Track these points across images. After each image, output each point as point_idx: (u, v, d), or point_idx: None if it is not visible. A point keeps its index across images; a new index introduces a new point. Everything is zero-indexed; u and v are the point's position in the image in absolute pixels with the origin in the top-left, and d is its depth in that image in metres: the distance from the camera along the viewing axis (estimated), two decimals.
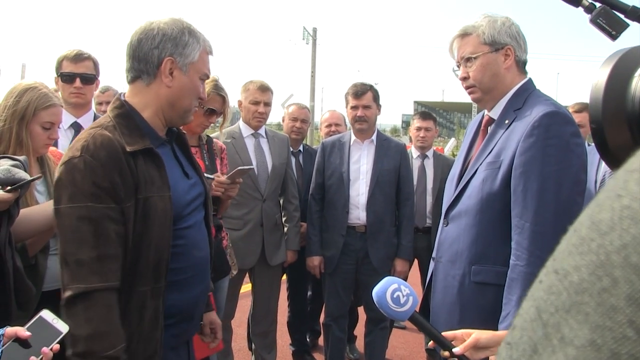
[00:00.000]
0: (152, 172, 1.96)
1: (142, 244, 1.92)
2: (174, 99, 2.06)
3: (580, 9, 1.30)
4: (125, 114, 2.02)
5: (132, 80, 2.07)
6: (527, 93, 2.45)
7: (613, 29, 1.25)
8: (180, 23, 2.06)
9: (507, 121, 2.41)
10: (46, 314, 1.63)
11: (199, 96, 2.15)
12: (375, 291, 1.73)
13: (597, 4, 1.26)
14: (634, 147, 0.85)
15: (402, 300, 1.71)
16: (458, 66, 2.58)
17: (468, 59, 2.50)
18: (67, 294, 1.81)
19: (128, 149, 1.91)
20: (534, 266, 2.18)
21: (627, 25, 1.23)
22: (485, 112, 2.61)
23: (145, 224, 1.92)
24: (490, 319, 2.27)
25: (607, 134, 0.86)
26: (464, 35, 2.52)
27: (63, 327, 1.63)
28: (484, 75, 2.47)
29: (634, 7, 1.20)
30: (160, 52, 2.01)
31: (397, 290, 1.72)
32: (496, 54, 2.45)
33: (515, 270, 2.23)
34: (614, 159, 0.88)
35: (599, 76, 0.88)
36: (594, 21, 1.26)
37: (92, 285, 1.79)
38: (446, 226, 2.56)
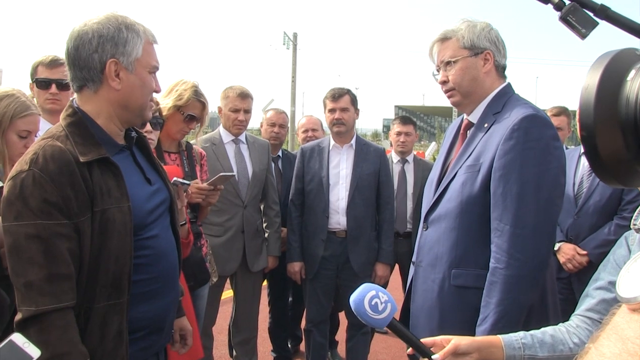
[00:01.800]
0: (109, 183, 1.86)
1: (101, 258, 1.83)
2: (126, 100, 1.96)
3: (550, 6, 1.29)
4: (78, 122, 1.92)
5: (79, 90, 1.97)
6: (507, 97, 2.47)
7: (583, 27, 1.23)
8: (114, 19, 1.92)
9: (486, 125, 2.42)
10: (17, 338, 1.57)
11: (153, 90, 2.05)
12: (353, 298, 1.68)
13: (567, 1, 1.25)
14: (626, 156, 0.82)
15: (381, 307, 1.67)
16: (438, 70, 2.59)
17: (448, 63, 2.51)
18: (18, 317, 1.74)
19: (82, 159, 1.81)
20: (514, 269, 2.19)
21: (597, 23, 1.22)
22: (465, 116, 2.62)
23: (103, 237, 1.83)
24: (470, 322, 2.28)
25: (599, 141, 0.82)
26: (444, 39, 2.53)
27: (34, 352, 1.57)
28: (463, 79, 2.49)
29: (602, 5, 1.20)
30: (101, 56, 1.89)
31: (375, 297, 1.67)
32: (475, 58, 2.47)
33: (495, 273, 2.24)
34: (605, 168, 0.85)
35: (589, 80, 0.84)
36: (563, 18, 1.24)
37: (42, 308, 1.70)
38: (426, 230, 2.55)
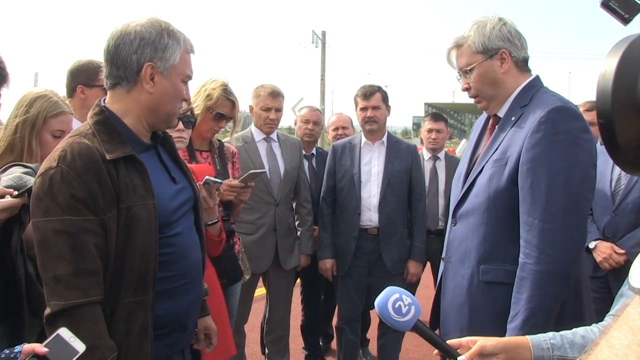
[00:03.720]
0: (135, 180, 1.89)
1: (126, 254, 1.86)
2: (156, 104, 1.99)
3: None
4: (105, 121, 1.95)
5: (112, 87, 2.00)
6: (534, 90, 2.41)
7: (626, 12, 1.21)
8: (158, 24, 1.97)
9: (513, 118, 2.38)
10: (64, 332, 1.62)
11: (183, 98, 2.08)
12: (377, 302, 1.70)
13: None
14: None
15: (404, 310, 1.67)
16: (459, 77, 2.57)
17: (466, 71, 2.50)
18: (47, 311, 1.77)
19: (108, 156, 1.84)
20: (544, 264, 2.15)
21: None
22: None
23: (128, 234, 1.86)
24: (500, 318, 2.26)
25: (617, 129, 0.80)
26: (458, 46, 2.51)
27: (80, 346, 1.62)
28: (483, 85, 2.47)
29: None
30: (140, 58, 1.93)
31: (398, 300, 1.68)
32: (491, 61, 2.43)
33: (525, 269, 2.20)
34: (624, 157, 0.83)
35: (607, 66, 0.82)
36: (605, 4, 1.22)
37: (71, 302, 1.74)
38: (454, 226, 2.53)
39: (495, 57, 2.42)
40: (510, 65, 2.43)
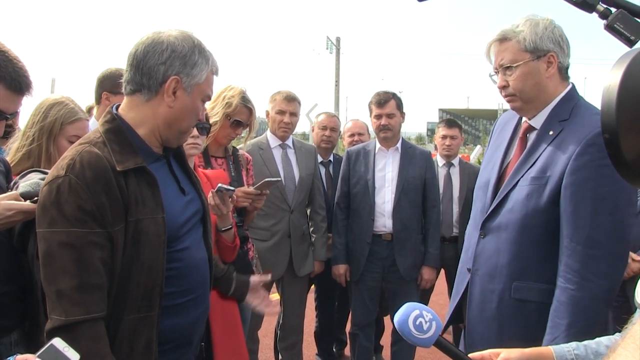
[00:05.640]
0: (145, 192, 1.83)
1: (133, 270, 1.78)
2: (173, 119, 1.93)
3: (595, 14, 1.27)
4: (117, 129, 1.89)
5: (131, 93, 1.93)
6: (573, 103, 2.35)
7: (632, 34, 1.20)
8: (190, 40, 1.92)
9: (551, 132, 2.32)
10: (58, 342, 1.60)
11: (198, 118, 2.04)
12: (397, 319, 1.67)
13: (613, 9, 1.22)
14: None
15: (425, 326, 1.65)
16: (496, 72, 2.45)
17: (507, 67, 2.37)
18: (48, 326, 1.70)
19: (118, 167, 1.77)
20: (586, 290, 2.11)
21: None
22: (524, 118, 2.48)
23: (136, 248, 1.79)
24: (530, 336, 2.20)
25: (623, 144, 0.79)
26: (503, 40, 2.37)
27: (74, 356, 1.60)
28: (525, 85, 2.35)
29: None
30: (167, 69, 1.87)
31: (419, 317, 1.65)
32: (538, 62, 2.32)
33: (565, 293, 2.16)
34: (632, 173, 0.82)
35: (611, 79, 0.81)
36: (610, 26, 1.22)
37: (73, 318, 1.67)
38: (483, 238, 2.47)
39: (543, 59, 2.32)
40: (555, 70, 2.35)
